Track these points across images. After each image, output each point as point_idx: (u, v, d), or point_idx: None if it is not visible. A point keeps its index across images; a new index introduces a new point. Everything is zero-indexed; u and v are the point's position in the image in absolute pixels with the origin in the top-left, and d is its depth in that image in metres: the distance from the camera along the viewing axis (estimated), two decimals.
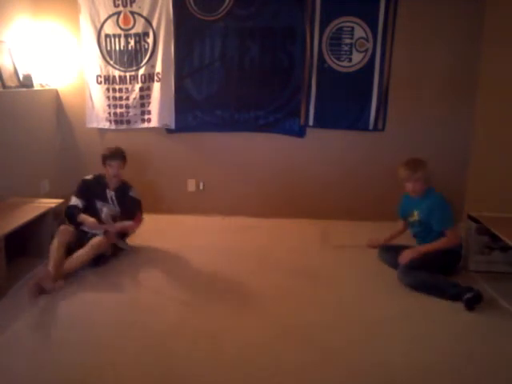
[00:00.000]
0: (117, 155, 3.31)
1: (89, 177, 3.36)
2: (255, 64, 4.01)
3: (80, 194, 3.28)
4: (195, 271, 3.11)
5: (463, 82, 3.99)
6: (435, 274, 2.85)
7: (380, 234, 3.73)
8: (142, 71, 4.05)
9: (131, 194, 3.36)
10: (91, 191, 3.30)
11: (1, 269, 2.71)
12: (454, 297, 2.69)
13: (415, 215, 3.07)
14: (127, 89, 4.10)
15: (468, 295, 2.62)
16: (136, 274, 3.05)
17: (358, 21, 3.87)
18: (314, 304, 2.71)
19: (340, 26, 3.89)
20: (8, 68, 3.64)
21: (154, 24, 3.95)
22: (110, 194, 3.33)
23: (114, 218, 3.25)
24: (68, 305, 2.62)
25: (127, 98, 4.12)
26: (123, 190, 3.36)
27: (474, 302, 2.61)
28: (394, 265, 3.07)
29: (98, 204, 3.30)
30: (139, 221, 3.29)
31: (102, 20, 3.97)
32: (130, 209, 3.30)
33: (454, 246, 2.99)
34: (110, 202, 3.32)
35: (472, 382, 2.06)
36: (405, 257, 2.97)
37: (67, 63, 4.14)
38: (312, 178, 4.24)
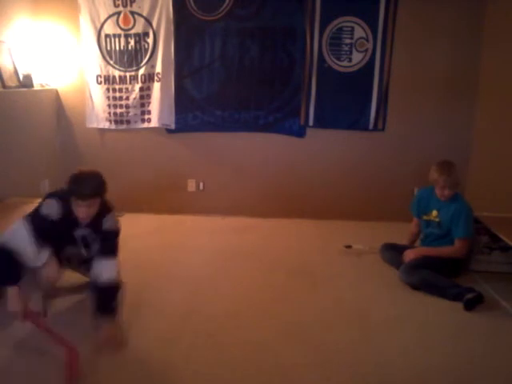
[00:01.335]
0: (88, 192, 2.22)
1: (53, 213, 2.26)
2: (255, 64, 4.01)
3: (36, 231, 2.20)
4: (195, 271, 3.11)
5: (463, 82, 3.99)
6: (436, 273, 2.84)
7: (380, 234, 3.74)
8: (142, 71, 4.05)
9: (106, 225, 2.37)
10: (53, 233, 2.27)
11: None
12: (455, 297, 2.68)
13: (434, 215, 3.02)
14: (127, 89, 4.10)
15: (469, 295, 2.62)
16: (135, 274, 3.05)
17: (358, 21, 3.87)
18: (314, 304, 2.70)
19: (340, 26, 3.89)
20: (8, 68, 3.64)
21: (154, 24, 3.95)
22: (81, 232, 2.38)
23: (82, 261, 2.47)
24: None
25: (127, 98, 4.12)
26: (99, 221, 2.36)
27: (474, 303, 2.60)
28: (396, 264, 3.08)
29: (67, 248, 2.45)
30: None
31: (102, 20, 3.97)
32: (103, 248, 2.34)
33: (460, 256, 2.96)
34: (80, 243, 2.41)
35: (472, 381, 2.06)
36: (408, 255, 2.98)
37: (67, 63, 4.13)
38: (312, 178, 4.24)
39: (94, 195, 2.25)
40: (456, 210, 2.91)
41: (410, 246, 3.21)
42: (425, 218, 3.11)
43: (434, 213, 3.02)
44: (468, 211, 2.93)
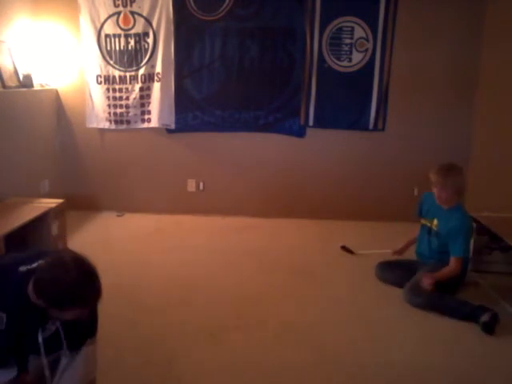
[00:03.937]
0: (95, 299, 1.53)
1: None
2: (255, 64, 4.01)
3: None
4: (195, 271, 3.11)
5: (463, 82, 3.99)
6: (441, 293, 2.64)
7: (380, 234, 3.74)
8: (142, 71, 4.05)
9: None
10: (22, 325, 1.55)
11: None
12: (467, 316, 2.49)
13: (434, 224, 2.84)
14: (127, 89, 4.10)
15: (484, 318, 2.41)
16: (135, 274, 3.05)
17: (358, 21, 3.87)
18: (313, 304, 2.71)
19: (340, 26, 3.89)
20: (8, 68, 3.64)
21: (154, 24, 3.95)
22: (55, 325, 1.62)
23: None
24: None
25: (127, 98, 4.11)
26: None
27: (492, 325, 2.40)
28: (397, 283, 2.88)
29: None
30: None
31: (102, 20, 3.97)
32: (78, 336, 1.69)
33: (455, 276, 2.73)
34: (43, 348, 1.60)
35: (472, 382, 2.06)
36: (427, 282, 2.65)
37: (67, 63, 4.13)
38: (312, 178, 4.24)
39: (88, 303, 1.52)
40: (456, 225, 2.70)
41: (409, 260, 3.06)
42: (423, 221, 2.96)
43: (435, 221, 2.84)
44: (468, 229, 2.76)
